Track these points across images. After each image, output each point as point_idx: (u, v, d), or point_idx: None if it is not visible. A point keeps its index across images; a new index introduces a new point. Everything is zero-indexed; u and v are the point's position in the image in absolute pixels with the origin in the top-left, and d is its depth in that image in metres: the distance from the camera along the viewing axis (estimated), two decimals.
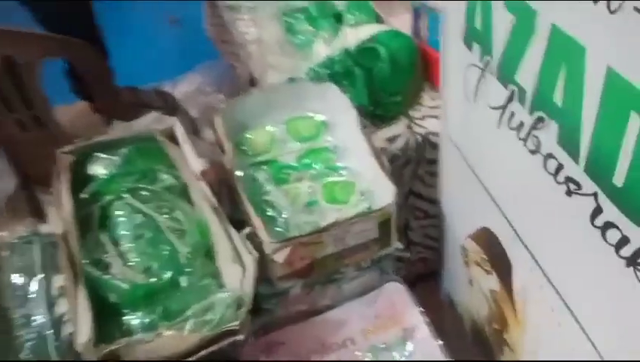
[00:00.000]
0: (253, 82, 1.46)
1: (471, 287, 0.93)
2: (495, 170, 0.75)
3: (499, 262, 0.79)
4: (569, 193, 0.57)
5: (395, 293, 0.88)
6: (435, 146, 1.14)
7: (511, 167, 0.69)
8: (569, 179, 0.56)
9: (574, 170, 0.55)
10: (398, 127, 1.18)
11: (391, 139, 1.16)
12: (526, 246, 0.70)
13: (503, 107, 0.67)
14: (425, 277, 1.26)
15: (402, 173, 1.17)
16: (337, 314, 0.87)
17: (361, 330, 0.85)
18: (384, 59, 1.17)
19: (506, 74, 0.65)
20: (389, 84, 1.18)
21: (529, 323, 0.75)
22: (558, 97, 0.55)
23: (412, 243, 1.27)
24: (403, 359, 0.81)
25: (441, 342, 0.82)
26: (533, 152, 0.62)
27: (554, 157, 0.58)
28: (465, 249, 0.92)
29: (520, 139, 0.65)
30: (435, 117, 1.17)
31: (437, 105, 1.19)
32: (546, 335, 0.70)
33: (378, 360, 0.81)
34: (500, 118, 0.69)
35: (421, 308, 0.87)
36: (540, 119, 0.60)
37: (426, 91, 1.25)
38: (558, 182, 0.58)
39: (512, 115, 0.66)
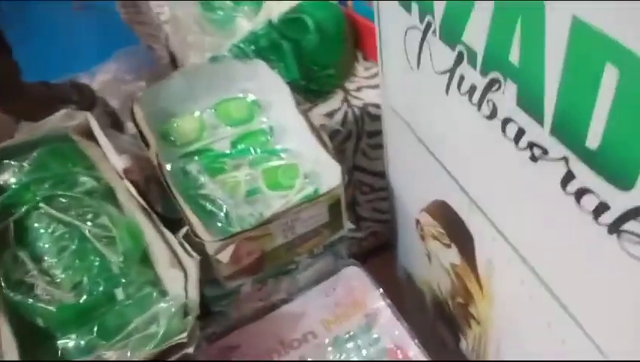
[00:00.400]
0: (174, 64, 1.37)
1: (429, 261, 0.89)
2: (447, 140, 0.70)
3: (458, 235, 0.75)
4: (534, 159, 0.52)
5: (354, 278, 0.83)
6: (374, 118, 1.09)
7: (465, 136, 0.65)
8: (533, 144, 0.52)
9: (538, 133, 0.50)
10: (334, 101, 1.12)
11: (329, 114, 1.10)
12: (488, 218, 0.65)
13: (451, 71, 0.62)
14: (377, 251, 1.22)
15: (344, 148, 1.12)
16: (294, 307, 0.81)
17: (322, 321, 0.80)
18: (311, 30, 1.11)
19: (451, 34, 0.60)
20: (319, 55, 1.12)
21: (496, 297, 0.71)
22: (514, 55, 0.50)
23: (361, 219, 1.23)
24: (370, 348, 0.76)
25: (406, 324, 0.78)
26: (489, 118, 0.58)
27: (513, 121, 0.54)
28: (419, 222, 0.87)
29: (473, 104, 0.60)
30: (372, 87, 1.12)
31: (372, 75, 1.14)
32: (517, 309, 0.67)
33: (342, 353, 0.76)
34: (449, 83, 0.63)
35: (381, 290, 0.82)
36: (495, 81, 0.55)
37: (359, 61, 1.20)
38: (520, 148, 0.54)
39: (462, 78, 0.61)
